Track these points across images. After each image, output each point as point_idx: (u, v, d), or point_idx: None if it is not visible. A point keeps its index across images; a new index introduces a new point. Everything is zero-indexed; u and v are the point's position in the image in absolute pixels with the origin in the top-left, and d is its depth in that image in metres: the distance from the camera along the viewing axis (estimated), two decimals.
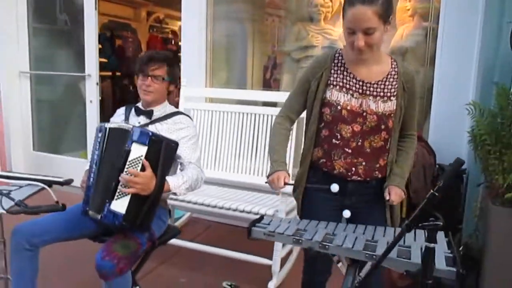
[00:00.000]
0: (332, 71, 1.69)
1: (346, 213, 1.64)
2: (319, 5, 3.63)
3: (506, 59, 2.46)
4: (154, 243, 1.94)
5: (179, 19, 7.16)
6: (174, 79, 2.08)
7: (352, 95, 1.66)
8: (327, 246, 1.34)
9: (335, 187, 1.63)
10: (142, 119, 2.05)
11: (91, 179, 1.87)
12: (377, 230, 1.50)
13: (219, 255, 2.77)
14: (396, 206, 1.75)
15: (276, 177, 1.68)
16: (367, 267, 1.30)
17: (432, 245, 1.10)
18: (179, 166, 2.03)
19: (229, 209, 2.62)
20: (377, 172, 1.70)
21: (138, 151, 1.76)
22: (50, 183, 1.93)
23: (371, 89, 1.66)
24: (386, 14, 1.52)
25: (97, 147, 1.89)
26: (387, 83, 1.66)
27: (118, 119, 2.11)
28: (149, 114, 2.05)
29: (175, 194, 1.93)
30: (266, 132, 3.03)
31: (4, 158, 4.44)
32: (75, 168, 3.89)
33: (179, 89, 2.10)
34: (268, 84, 3.98)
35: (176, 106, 2.59)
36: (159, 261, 2.84)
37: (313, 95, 1.71)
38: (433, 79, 3.00)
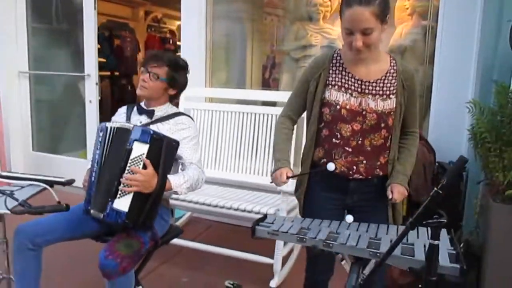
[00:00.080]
0: (331, 71, 1.71)
1: (349, 218, 1.65)
2: (318, 4, 3.64)
3: (505, 57, 2.47)
4: (156, 242, 1.94)
5: (177, 18, 7.22)
6: (173, 82, 2.05)
7: (351, 94, 1.67)
8: (331, 245, 1.35)
9: (331, 166, 1.64)
10: (144, 119, 2.05)
11: (93, 178, 1.87)
12: (380, 228, 1.51)
13: (221, 254, 2.77)
14: (399, 204, 1.76)
15: (279, 173, 1.70)
16: (371, 265, 1.31)
17: (436, 242, 1.10)
18: (180, 167, 2.03)
19: (230, 208, 2.62)
20: (378, 170, 1.71)
21: (139, 149, 1.77)
22: (51, 183, 1.94)
23: (370, 87, 1.67)
24: (383, 14, 1.53)
25: (99, 146, 1.89)
26: (386, 81, 1.67)
27: (119, 118, 2.12)
28: (150, 113, 2.06)
29: (176, 193, 1.94)
30: (266, 131, 3.04)
31: (4, 159, 4.43)
32: (74, 168, 3.90)
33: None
34: (267, 83, 3.99)
35: (176, 106, 2.59)
36: (160, 260, 2.84)
37: (312, 96, 1.73)
38: (432, 77, 3.01)
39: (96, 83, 4.24)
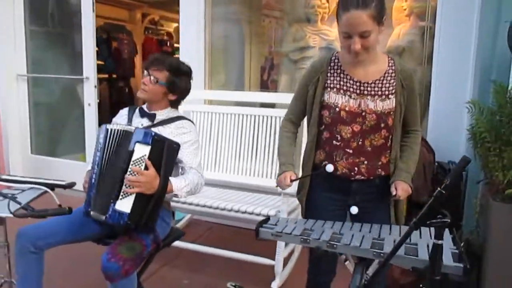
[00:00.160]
0: (329, 74, 1.72)
1: (354, 209, 1.66)
2: (316, 6, 3.65)
3: (503, 57, 2.49)
4: (158, 244, 1.94)
5: (174, 20, 7.22)
6: (172, 87, 2.04)
7: (350, 96, 1.68)
8: (335, 245, 1.35)
9: (329, 167, 1.67)
10: (145, 121, 2.06)
11: (93, 180, 1.87)
12: (383, 228, 1.52)
13: (221, 256, 2.77)
14: (401, 204, 1.77)
15: (283, 177, 1.72)
16: (374, 265, 1.32)
17: (440, 242, 1.11)
18: (180, 170, 2.04)
19: (230, 210, 2.62)
20: (380, 170, 1.72)
21: (141, 151, 1.77)
22: (52, 187, 1.93)
23: (369, 88, 1.67)
24: (380, 16, 1.54)
25: (99, 148, 1.89)
26: (384, 81, 1.68)
27: (120, 119, 2.12)
28: (152, 117, 2.06)
29: (176, 196, 1.94)
30: (265, 133, 3.04)
31: (2, 162, 4.42)
32: (73, 171, 3.89)
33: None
34: (266, 85, 4.00)
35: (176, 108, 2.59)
36: (161, 263, 2.84)
37: (311, 99, 1.74)
38: (430, 77, 3.02)
39: (95, 86, 4.23)
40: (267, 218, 1.59)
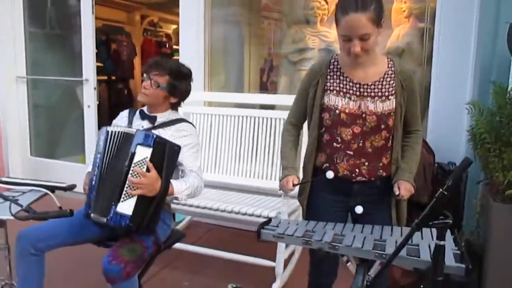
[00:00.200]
0: (328, 77, 1.72)
1: (359, 209, 1.67)
2: (315, 7, 3.65)
3: (503, 58, 2.50)
4: (159, 247, 1.94)
5: (173, 22, 7.23)
6: (173, 91, 2.04)
7: (350, 98, 1.68)
8: (337, 247, 1.35)
9: (330, 174, 1.69)
10: (146, 124, 2.05)
11: (93, 182, 1.86)
12: (384, 229, 1.52)
13: (221, 258, 2.77)
14: (402, 205, 1.77)
15: (286, 181, 1.73)
16: (376, 266, 1.32)
17: (442, 242, 1.11)
18: (180, 173, 2.03)
19: (231, 212, 2.61)
20: (381, 171, 1.72)
21: (142, 153, 1.77)
22: (53, 189, 1.93)
23: (369, 90, 1.68)
24: (379, 18, 1.54)
25: (100, 150, 1.88)
26: (384, 82, 1.68)
27: (121, 121, 2.11)
28: (152, 119, 2.05)
29: (176, 198, 1.94)
30: (265, 134, 3.05)
31: (2, 164, 4.41)
32: (73, 173, 3.89)
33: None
34: (265, 87, 4.00)
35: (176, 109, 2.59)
36: (161, 265, 2.84)
37: (311, 102, 1.75)
38: (430, 79, 3.03)
39: (94, 88, 4.23)
40: (269, 219, 1.59)
